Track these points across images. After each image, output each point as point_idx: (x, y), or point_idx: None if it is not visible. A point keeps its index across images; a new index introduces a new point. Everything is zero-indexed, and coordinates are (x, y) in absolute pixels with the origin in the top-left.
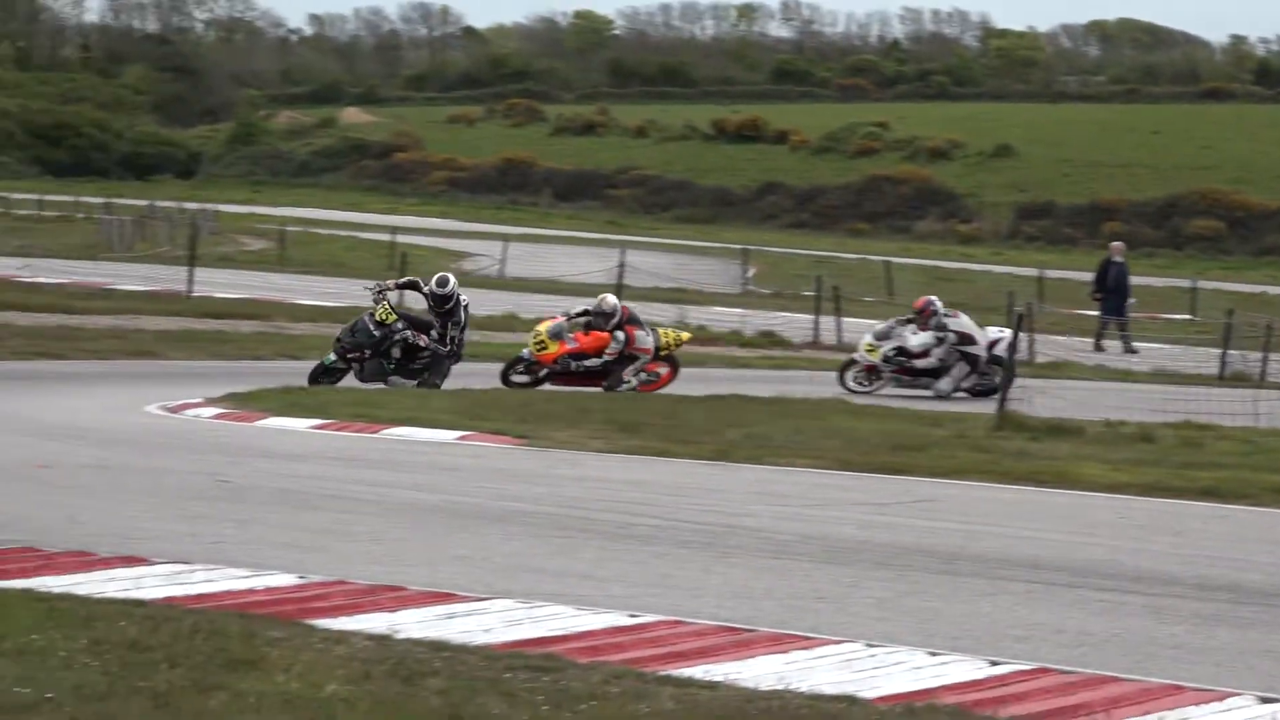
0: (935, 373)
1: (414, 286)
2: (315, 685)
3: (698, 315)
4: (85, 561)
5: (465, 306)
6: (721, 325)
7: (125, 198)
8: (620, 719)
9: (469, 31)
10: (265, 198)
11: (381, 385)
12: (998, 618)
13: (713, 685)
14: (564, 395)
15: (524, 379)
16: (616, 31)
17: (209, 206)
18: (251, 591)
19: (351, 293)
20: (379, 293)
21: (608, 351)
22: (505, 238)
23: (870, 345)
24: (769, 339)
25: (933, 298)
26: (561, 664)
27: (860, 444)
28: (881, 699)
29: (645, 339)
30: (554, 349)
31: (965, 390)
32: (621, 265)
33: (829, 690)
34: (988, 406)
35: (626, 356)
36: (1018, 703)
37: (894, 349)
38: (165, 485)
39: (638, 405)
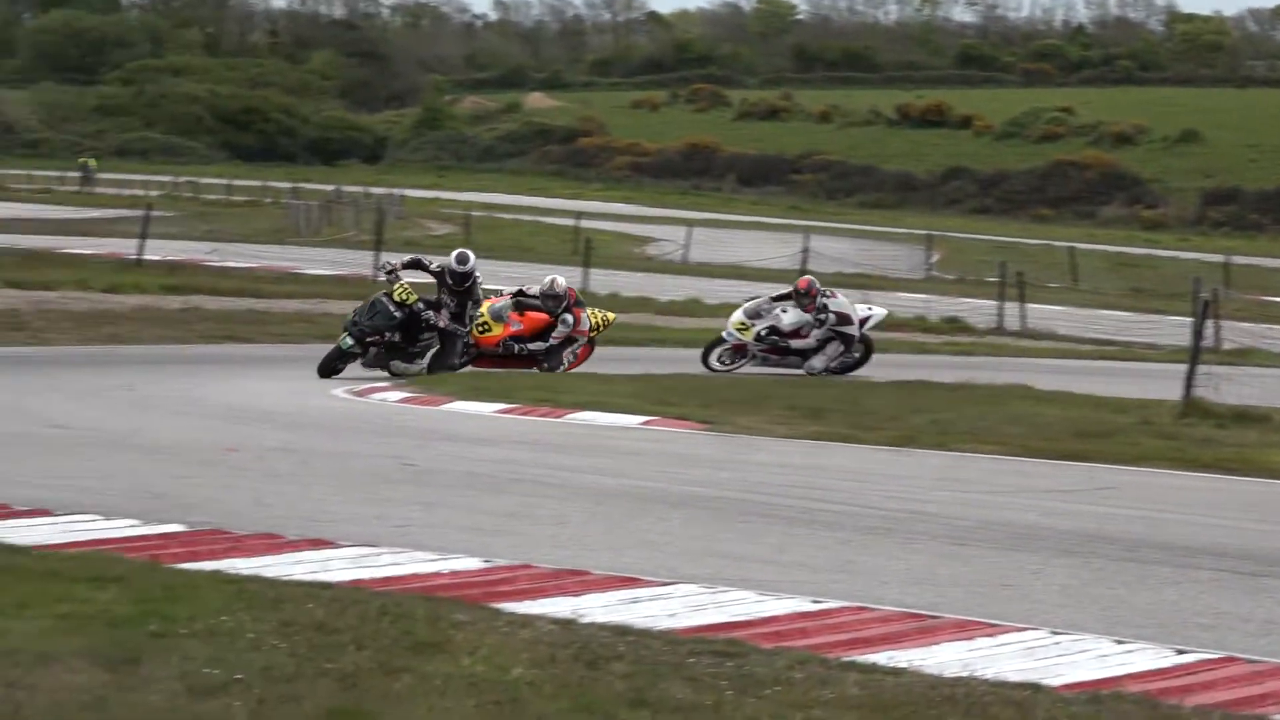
0: (805, 352)
1: (418, 265)
2: (500, 668)
3: (881, 301)
4: (274, 544)
5: (480, 284)
6: (905, 311)
7: (312, 182)
8: (804, 705)
9: (653, 16)
10: (450, 182)
11: (382, 370)
12: (1183, 605)
13: (897, 671)
14: (747, 381)
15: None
16: (800, 16)
17: (395, 191)
18: (437, 575)
19: (535, 277)
20: (390, 273)
21: (554, 335)
22: (688, 223)
23: (741, 324)
24: (953, 325)
25: (813, 279)
26: (745, 649)
27: (1044, 430)
28: (1066, 687)
29: (586, 321)
30: (497, 331)
31: (831, 369)
32: (805, 250)
33: (1013, 678)
34: (1173, 393)
35: (568, 339)
36: (1204, 691)
37: (767, 328)
38: (352, 469)
39: (821, 390)
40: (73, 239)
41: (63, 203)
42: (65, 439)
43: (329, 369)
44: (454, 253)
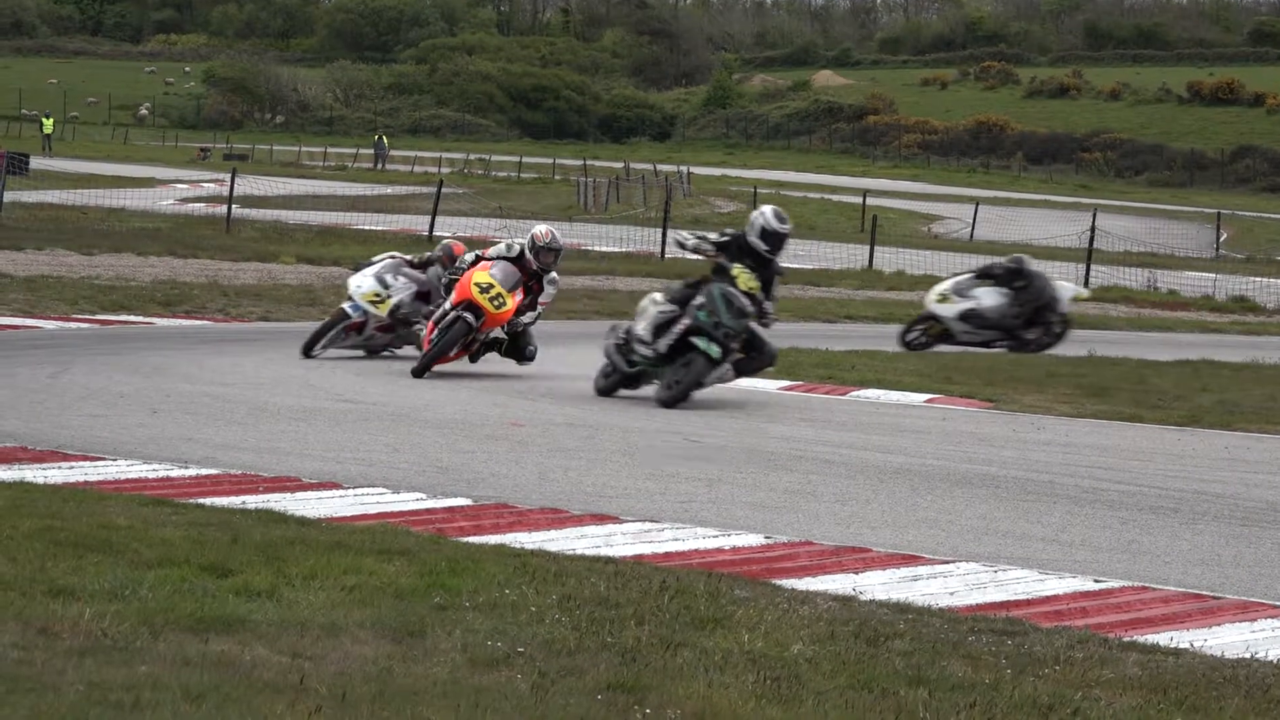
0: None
1: (723, 246)
2: (780, 645)
3: (1169, 280)
4: (557, 519)
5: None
6: (1193, 290)
7: (601, 160)
8: (1083, 685)
9: None
10: (737, 160)
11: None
12: None
13: (1178, 652)
14: (1032, 360)
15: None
16: None
17: (683, 168)
18: (719, 550)
19: (823, 255)
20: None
21: (542, 300)
22: (976, 201)
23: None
24: (1241, 304)
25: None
26: (1024, 628)
27: None
28: None
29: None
30: (510, 305)
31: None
32: (1092, 229)
33: None
34: None
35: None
36: None
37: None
38: (636, 444)
39: (1106, 370)
40: (366, 215)
41: (356, 180)
42: (353, 413)
43: (681, 396)
44: (768, 209)
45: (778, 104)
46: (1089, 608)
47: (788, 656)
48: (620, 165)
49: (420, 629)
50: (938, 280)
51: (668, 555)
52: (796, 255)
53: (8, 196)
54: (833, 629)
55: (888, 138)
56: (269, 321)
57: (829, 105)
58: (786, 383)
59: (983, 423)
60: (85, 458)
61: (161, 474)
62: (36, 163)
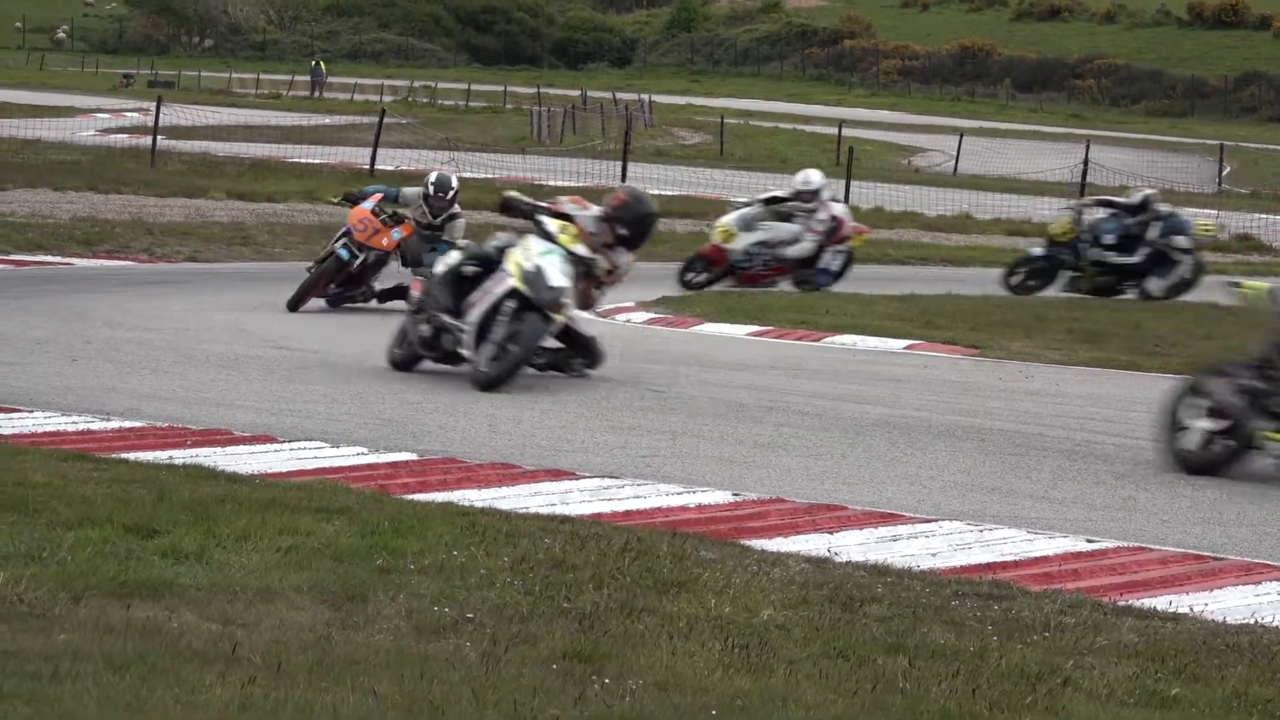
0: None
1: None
2: (749, 610)
3: None
4: (509, 474)
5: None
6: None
7: (556, 87)
8: (1075, 652)
9: None
10: (703, 88)
11: None
12: None
13: (1177, 617)
14: (1020, 303)
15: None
16: None
17: (644, 97)
18: (683, 509)
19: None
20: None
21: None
22: (960, 131)
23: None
24: (1245, 243)
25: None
26: (1012, 592)
27: None
28: None
29: None
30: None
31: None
32: (1085, 162)
33: None
34: None
35: None
36: None
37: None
38: (594, 394)
39: (1099, 314)
40: (302, 147)
41: (291, 109)
42: (289, 361)
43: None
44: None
45: (746, 27)
46: (1081, 570)
47: (757, 623)
48: (577, 93)
49: (361, 594)
50: (919, 216)
51: (628, 514)
52: (766, 190)
53: None
54: (806, 593)
55: (865, 63)
56: (197, 262)
57: (802, 29)
58: (756, 328)
59: (967, 371)
60: None
61: (81, 427)
62: None
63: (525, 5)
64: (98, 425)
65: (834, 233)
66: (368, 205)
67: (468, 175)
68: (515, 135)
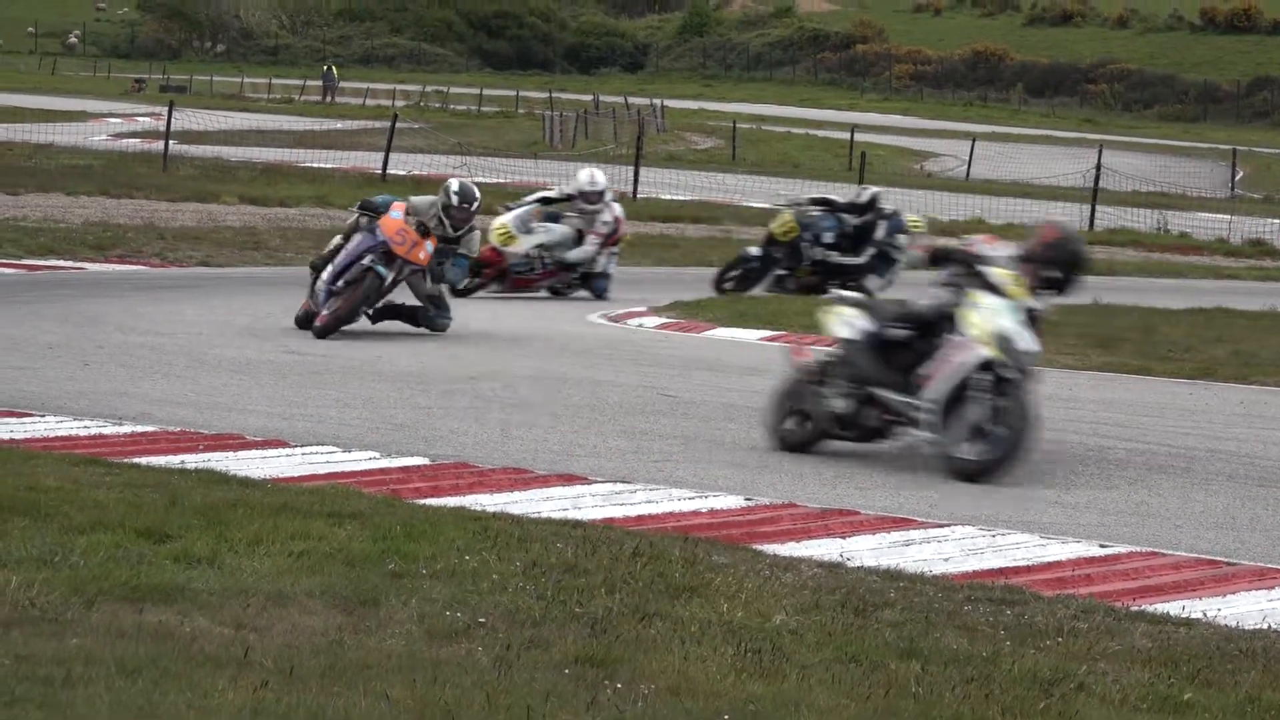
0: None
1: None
2: (761, 615)
3: (1180, 222)
4: (521, 479)
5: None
6: (1206, 233)
7: (568, 92)
8: (1088, 657)
9: None
10: (715, 92)
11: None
12: None
13: (1190, 622)
14: None
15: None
16: None
17: (656, 102)
18: (696, 514)
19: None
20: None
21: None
22: (972, 136)
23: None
24: (1258, 248)
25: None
26: (1025, 597)
27: None
28: None
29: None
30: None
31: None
32: (1098, 167)
33: None
34: None
35: None
36: None
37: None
38: (606, 399)
39: (1112, 319)
40: (314, 152)
41: (303, 113)
42: (301, 366)
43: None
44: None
45: (759, 32)
46: (1094, 574)
47: (770, 627)
48: (589, 98)
49: (374, 598)
50: (932, 221)
51: (640, 518)
52: (778, 196)
53: None
54: (818, 598)
55: (877, 68)
56: (209, 267)
57: (814, 33)
58: (769, 332)
59: None
60: (10, 414)
61: (94, 431)
62: None
63: (537, 10)
64: (110, 430)
65: (613, 235)
66: (397, 215)
67: (480, 180)
68: (528, 140)
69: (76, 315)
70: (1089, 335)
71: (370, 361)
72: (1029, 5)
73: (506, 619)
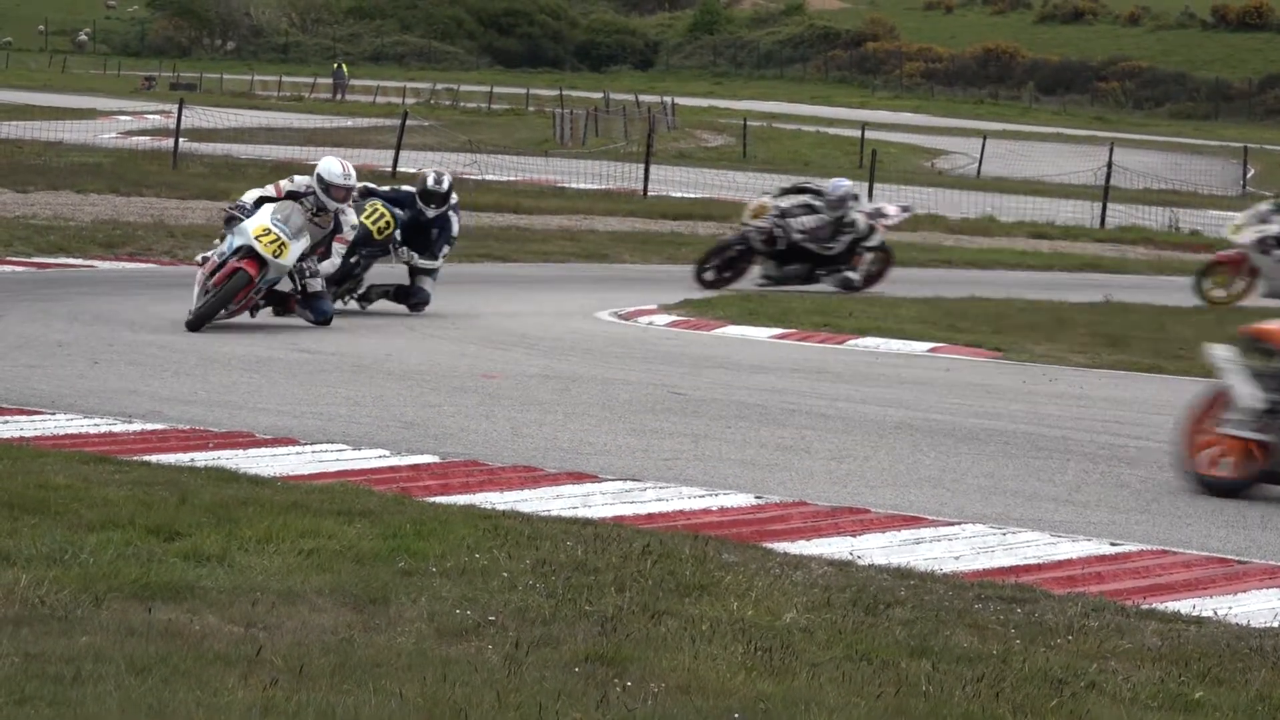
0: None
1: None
2: (772, 613)
3: (1191, 220)
4: (531, 477)
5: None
6: (1217, 231)
7: (579, 90)
8: (1099, 656)
9: None
10: (726, 90)
11: None
12: None
13: (1200, 620)
14: (1044, 306)
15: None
16: None
17: (667, 99)
18: (705, 511)
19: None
20: None
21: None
22: (983, 134)
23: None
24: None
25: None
26: (1035, 595)
27: None
28: None
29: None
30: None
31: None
32: (1109, 165)
33: None
34: None
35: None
36: None
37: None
38: (616, 397)
39: (1124, 317)
40: (324, 150)
41: (313, 111)
42: (310, 364)
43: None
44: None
45: (769, 29)
46: (1104, 573)
47: (780, 626)
48: (599, 96)
49: (384, 596)
50: (942, 219)
51: (650, 517)
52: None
53: None
54: (828, 596)
55: (888, 66)
56: None
57: (825, 31)
58: (779, 330)
59: (990, 374)
60: (20, 411)
61: (104, 429)
62: None
63: (547, 8)
64: (120, 428)
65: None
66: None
67: (490, 177)
68: (538, 138)
69: (86, 313)
70: (1100, 334)
71: (380, 359)
72: (1040, 3)
73: (516, 617)
